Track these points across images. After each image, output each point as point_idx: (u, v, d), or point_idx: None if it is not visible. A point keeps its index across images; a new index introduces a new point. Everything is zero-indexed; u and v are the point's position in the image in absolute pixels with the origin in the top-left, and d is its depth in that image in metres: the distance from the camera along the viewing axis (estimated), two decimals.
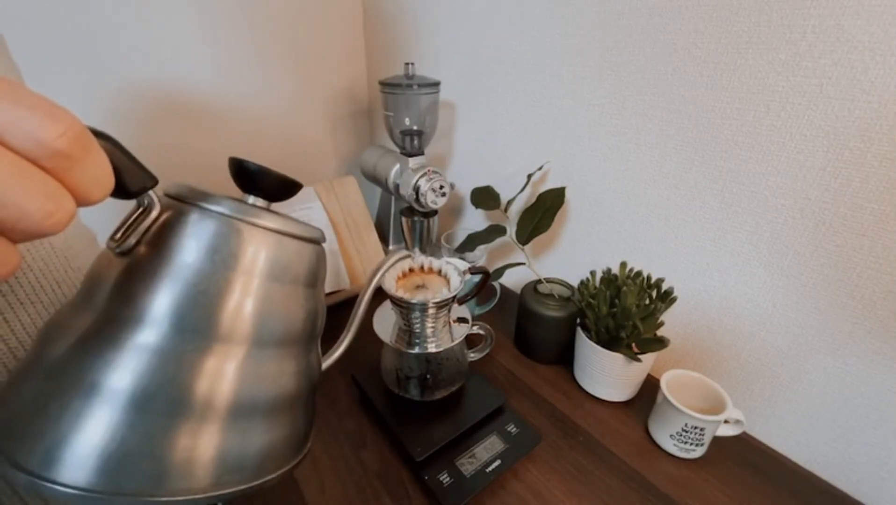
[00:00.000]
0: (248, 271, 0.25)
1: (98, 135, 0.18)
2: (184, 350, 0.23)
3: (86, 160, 0.16)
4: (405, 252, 0.39)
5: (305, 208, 0.69)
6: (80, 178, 0.16)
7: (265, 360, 0.25)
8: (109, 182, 0.18)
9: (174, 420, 0.22)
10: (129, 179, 0.21)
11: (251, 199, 0.28)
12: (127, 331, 0.22)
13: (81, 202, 0.17)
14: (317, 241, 0.30)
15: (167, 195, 0.26)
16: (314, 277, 0.29)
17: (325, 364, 0.33)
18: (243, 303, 0.25)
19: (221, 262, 0.24)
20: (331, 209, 0.72)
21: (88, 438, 0.20)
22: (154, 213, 0.24)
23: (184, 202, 0.25)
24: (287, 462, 0.27)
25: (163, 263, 0.23)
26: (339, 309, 0.63)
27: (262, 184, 0.28)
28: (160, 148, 0.77)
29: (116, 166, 0.19)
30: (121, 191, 0.21)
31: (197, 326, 0.23)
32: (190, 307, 0.23)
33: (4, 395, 0.22)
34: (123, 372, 0.21)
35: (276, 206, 0.29)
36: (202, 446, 0.22)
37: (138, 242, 0.24)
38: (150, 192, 0.23)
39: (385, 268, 0.36)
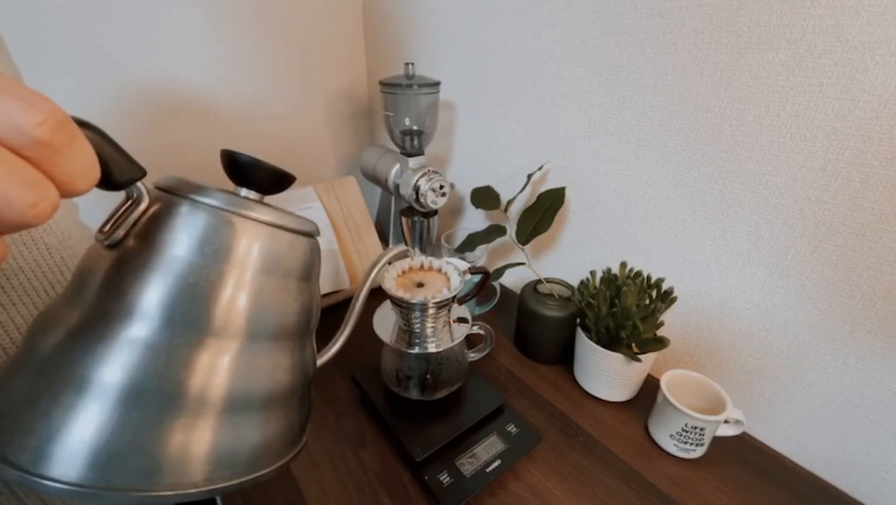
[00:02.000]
0: (241, 264, 0.25)
1: (83, 125, 0.18)
2: (175, 344, 0.22)
3: (69, 149, 0.16)
4: (403, 246, 0.39)
5: (305, 208, 0.69)
6: (63, 168, 0.16)
7: (258, 354, 0.25)
8: (95, 172, 0.17)
9: (166, 415, 0.21)
10: (116, 170, 0.21)
11: (244, 191, 0.28)
12: (117, 325, 0.22)
13: (66, 193, 0.16)
14: (310, 234, 0.30)
15: (157, 187, 0.25)
16: (308, 270, 0.29)
17: (323, 359, 0.32)
18: (235, 296, 0.24)
19: (213, 254, 0.24)
20: (331, 209, 0.72)
21: (79, 434, 0.20)
22: (143, 205, 0.24)
23: (174, 194, 0.24)
24: (282, 456, 0.27)
25: (153, 255, 0.23)
26: (339, 309, 0.63)
27: (255, 176, 0.27)
28: (160, 148, 0.77)
29: (102, 157, 0.19)
30: (108, 182, 0.20)
31: (188, 319, 0.23)
32: (181, 300, 0.23)
33: None
34: (114, 367, 0.21)
35: (275, 204, 0.29)
36: (195, 441, 0.22)
37: (127, 235, 0.23)
38: (139, 184, 0.23)
39: (383, 261, 0.36)
